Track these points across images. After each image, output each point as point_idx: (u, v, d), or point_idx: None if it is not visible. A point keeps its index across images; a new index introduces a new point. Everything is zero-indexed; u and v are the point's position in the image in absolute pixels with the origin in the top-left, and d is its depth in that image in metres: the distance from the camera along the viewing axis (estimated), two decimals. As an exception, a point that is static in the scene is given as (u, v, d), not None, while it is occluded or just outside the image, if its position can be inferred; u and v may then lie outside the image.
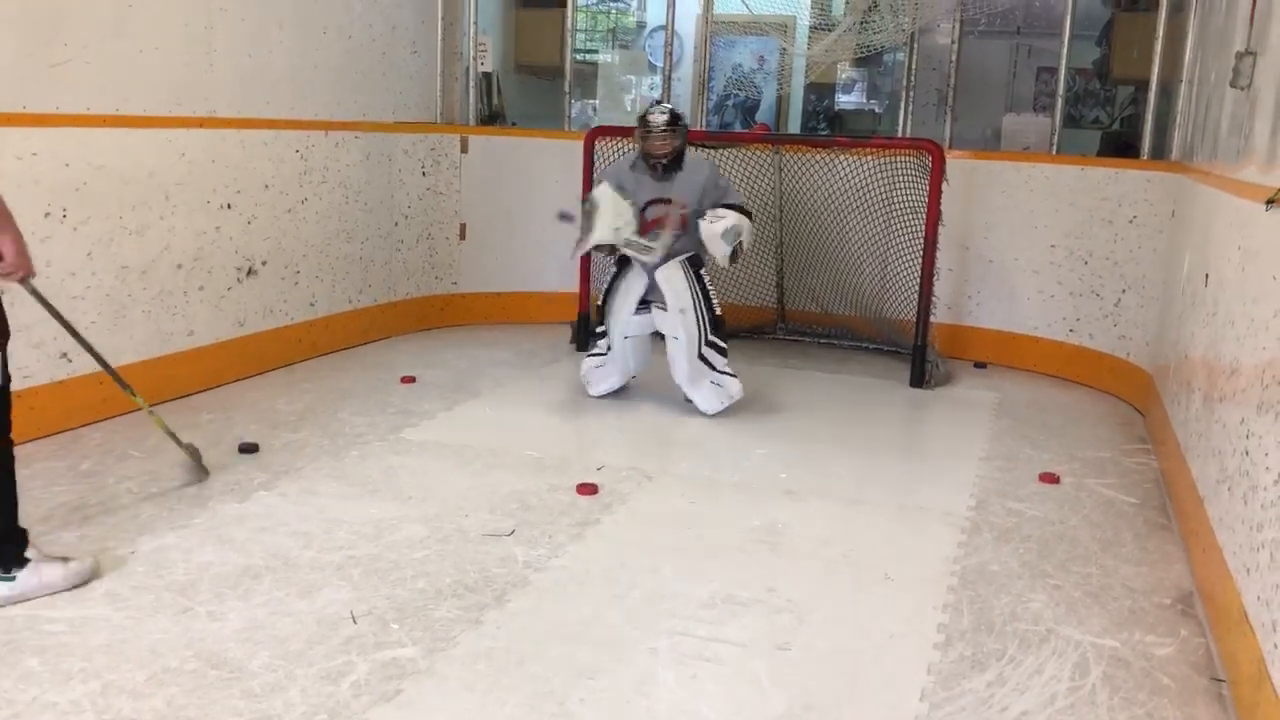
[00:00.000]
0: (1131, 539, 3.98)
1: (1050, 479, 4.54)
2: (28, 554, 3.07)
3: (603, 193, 5.12)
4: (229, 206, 5.36)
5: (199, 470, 4.10)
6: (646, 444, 4.85)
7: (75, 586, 3.14)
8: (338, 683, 2.72)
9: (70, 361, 4.48)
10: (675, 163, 5.26)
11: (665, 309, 5.20)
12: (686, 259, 5.21)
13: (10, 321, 3.03)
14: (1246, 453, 3.06)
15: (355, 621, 3.05)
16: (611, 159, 6.70)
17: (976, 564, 3.66)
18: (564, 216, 5.23)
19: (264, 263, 5.65)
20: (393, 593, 3.23)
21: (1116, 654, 3.07)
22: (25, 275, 3.09)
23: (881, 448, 5.01)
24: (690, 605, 3.24)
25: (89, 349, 3.78)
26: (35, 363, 4.36)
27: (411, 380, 5.72)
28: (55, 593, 3.09)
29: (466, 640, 2.97)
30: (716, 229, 5.07)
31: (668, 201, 5.19)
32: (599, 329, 5.48)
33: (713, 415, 5.22)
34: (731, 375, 5.26)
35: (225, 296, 5.41)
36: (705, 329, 5.17)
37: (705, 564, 3.55)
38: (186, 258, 5.12)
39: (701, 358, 5.19)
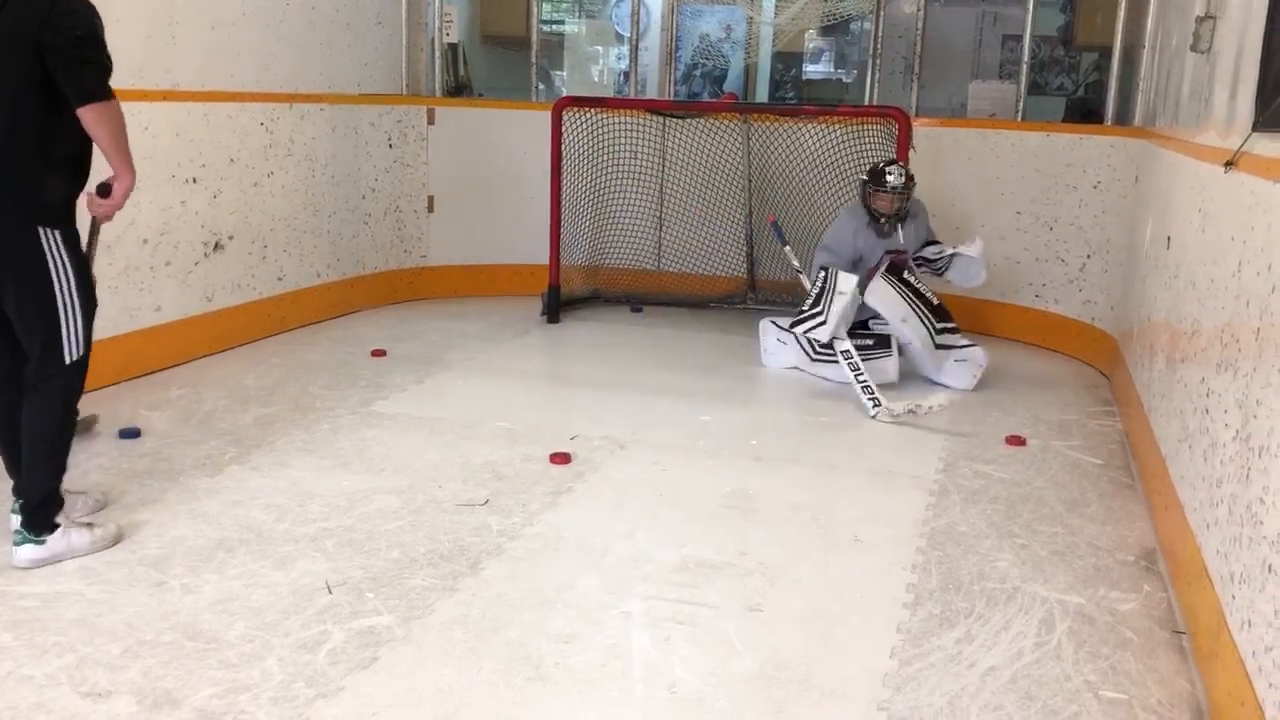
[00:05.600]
0: (1096, 498, 4.05)
1: (1017, 441, 4.61)
2: (57, 519, 3.20)
3: (848, 285, 5.18)
4: (194, 181, 5.31)
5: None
6: (619, 413, 4.87)
7: (100, 551, 3.25)
8: (315, 651, 2.74)
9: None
10: (900, 217, 5.46)
11: (887, 322, 5.36)
12: (885, 269, 5.33)
13: None
14: (1207, 411, 3.12)
15: (330, 592, 3.06)
16: (579, 130, 6.70)
17: (945, 525, 3.71)
18: (776, 230, 5.65)
19: (231, 237, 5.61)
20: (367, 563, 3.25)
21: (1081, 610, 3.14)
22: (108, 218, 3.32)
23: (850, 413, 5.05)
24: (663, 569, 3.27)
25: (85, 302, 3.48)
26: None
27: (382, 354, 5.71)
28: (79, 556, 3.20)
29: (442, 608, 2.99)
30: (975, 249, 5.44)
31: (897, 252, 5.43)
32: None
33: (970, 389, 5.36)
34: (971, 345, 5.42)
35: (193, 272, 5.37)
36: (930, 327, 5.33)
37: (678, 529, 3.59)
38: (152, 233, 5.08)
39: (939, 346, 5.37)
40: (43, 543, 3.15)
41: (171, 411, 4.60)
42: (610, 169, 6.88)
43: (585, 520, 3.64)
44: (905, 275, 5.37)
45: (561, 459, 4.16)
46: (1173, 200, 4.35)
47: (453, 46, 7.40)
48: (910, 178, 5.43)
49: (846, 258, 5.42)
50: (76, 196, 3.20)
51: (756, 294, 7.07)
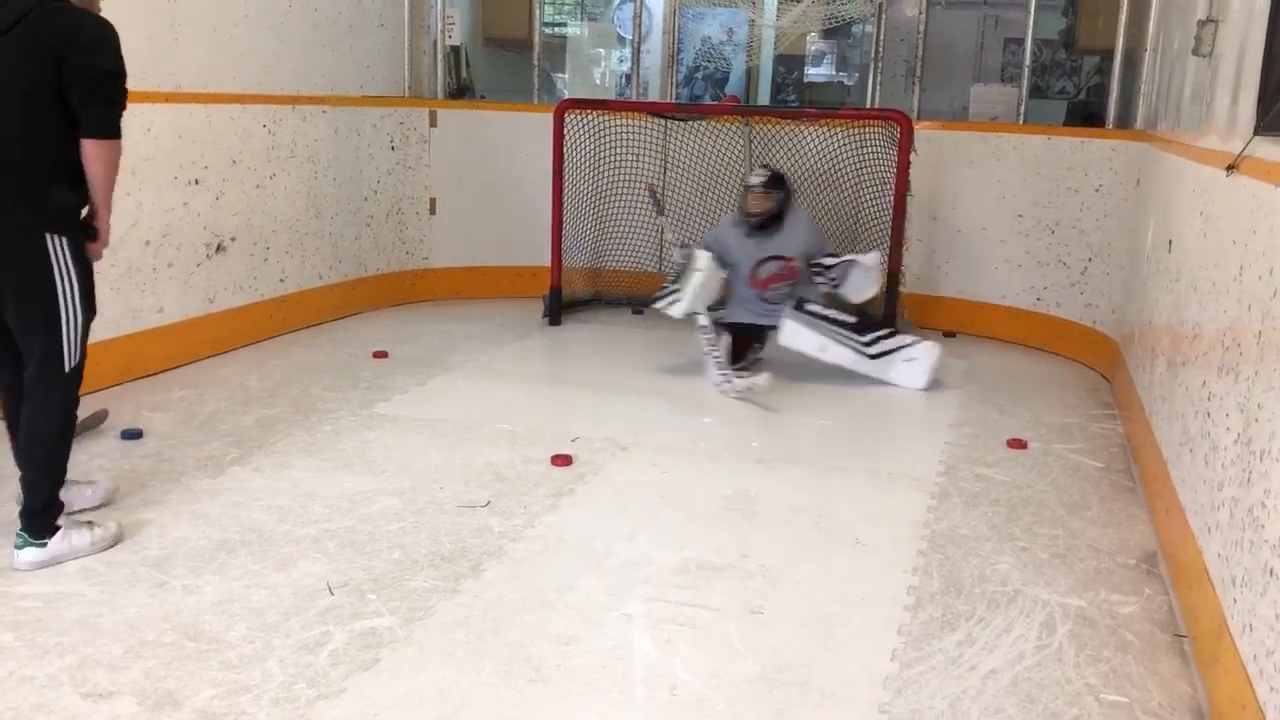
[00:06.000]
0: (1097, 502, 4.05)
1: (1018, 445, 4.61)
2: (58, 521, 3.20)
3: (704, 262, 5.32)
4: (196, 182, 5.32)
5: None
6: (620, 415, 4.87)
7: (101, 551, 3.25)
8: (316, 653, 2.74)
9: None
10: (775, 220, 5.47)
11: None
12: (792, 307, 5.37)
13: None
14: (1208, 414, 3.12)
15: (332, 593, 3.06)
16: (581, 132, 6.71)
17: (946, 528, 3.71)
18: (653, 197, 5.74)
19: (233, 239, 5.62)
20: (369, 564, 3.25)
21: (1082, 613, 3.14)
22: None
23: (851, 416, 5.05)
24: (664, 571, 3.28)
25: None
26: None
27: (384, 355, 5.71)
28: (80, 557, 3.19)
29: (444, 609, 2.99)
30: (872, 259, 5.44)
31: (780, 259, 5.47)
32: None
33: (927, 388, 5.38)
34: (916, 342, 5.43)
35: (195, 273, 5.38)
36: (856, 344, 5.36)
37: (679, 531, 3.59)
38: (155, 234, 5.09)
39: (876, 356, 5.39)
40: (44, 545, 3.15)
41: (173, 412, 4.60)
42: (612, 171, 6.89)
43: (586, 522, 3.64)
44: (810, 307, 5.37)
45: (563, 461, 4.16)
46: (1174, 204, 4.35)
47: (455, 49, 7.41)
48: (775, 181, 5.49)
49: (715, 252, 5.49)
50: (84, 204, 3.19)
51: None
